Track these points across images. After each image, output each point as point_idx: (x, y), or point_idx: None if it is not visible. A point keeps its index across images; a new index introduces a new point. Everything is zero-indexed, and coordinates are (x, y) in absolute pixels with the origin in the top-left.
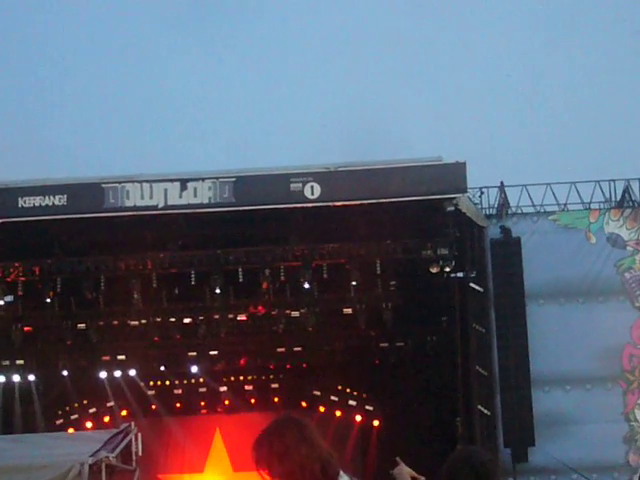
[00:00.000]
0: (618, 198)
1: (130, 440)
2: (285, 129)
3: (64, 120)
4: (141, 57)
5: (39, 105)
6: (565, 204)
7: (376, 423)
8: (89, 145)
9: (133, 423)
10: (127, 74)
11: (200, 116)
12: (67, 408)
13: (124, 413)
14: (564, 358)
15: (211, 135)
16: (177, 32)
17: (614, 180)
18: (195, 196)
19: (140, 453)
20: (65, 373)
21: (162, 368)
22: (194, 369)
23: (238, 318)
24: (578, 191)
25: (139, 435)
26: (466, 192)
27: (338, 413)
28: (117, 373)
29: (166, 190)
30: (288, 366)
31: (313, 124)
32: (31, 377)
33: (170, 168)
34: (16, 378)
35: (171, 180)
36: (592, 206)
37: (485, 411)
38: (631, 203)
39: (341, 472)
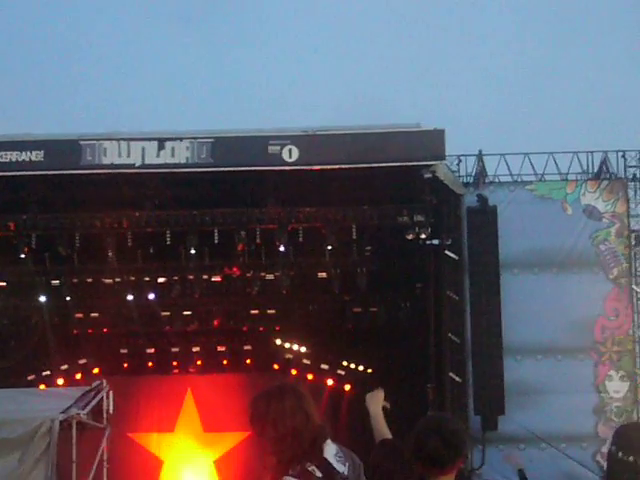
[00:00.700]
0: (595, 170)
1: (101, 398)
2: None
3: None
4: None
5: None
6: (542, 174)
7: (347, 387)
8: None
9: (105, 381)
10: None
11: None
12: (39, 364)
13: (96, 371)
14: (536, 328)
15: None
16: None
17: (592, 152)
18: (172, 156)
19: (111, 411)
20: (37, 329)
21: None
22: (167, 328)
23: (212, 279)
24: (556, 162)
25: (110, 393)
26: (444, 160)
27: (310, 377)
28: (90, 330)
29: (144, 149)
30: (261, 328)
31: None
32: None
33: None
34: None
35: (149, 139)
36: (569, 177)
37: (456, 378)
38: (608, 175)
39: (329, 440)
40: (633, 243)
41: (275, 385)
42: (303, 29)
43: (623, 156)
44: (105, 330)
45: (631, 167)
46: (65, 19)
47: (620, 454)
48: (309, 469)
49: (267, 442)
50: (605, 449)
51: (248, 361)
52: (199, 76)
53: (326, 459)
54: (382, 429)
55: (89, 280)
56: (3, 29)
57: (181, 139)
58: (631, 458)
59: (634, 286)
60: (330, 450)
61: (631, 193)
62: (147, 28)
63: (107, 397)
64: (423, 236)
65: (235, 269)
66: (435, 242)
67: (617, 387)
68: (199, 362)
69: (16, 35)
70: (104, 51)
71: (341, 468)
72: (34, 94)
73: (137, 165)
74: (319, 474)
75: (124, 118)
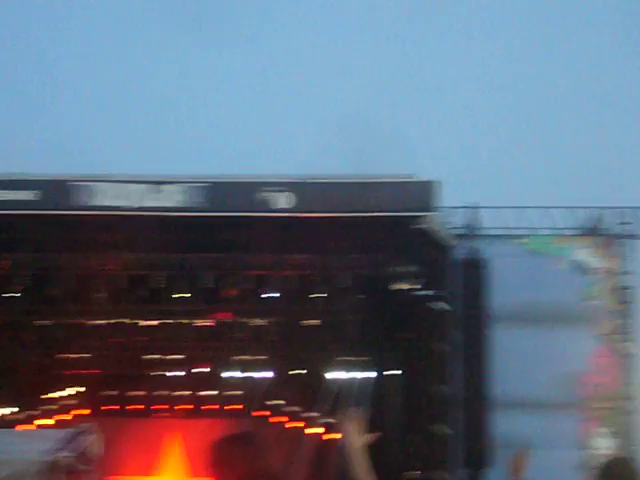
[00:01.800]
0: (589, 226)
1: (90, 441)
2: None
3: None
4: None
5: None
6: (536, 228)
7: (339, 436)
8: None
9: (94, 424)
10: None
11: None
12: (26, 404)
13: (85, 412)
14: (525, 382)
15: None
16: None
17: (585, 207)
18: (168, 199)
19: (100, 454)
20: (26, 370)
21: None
22: (156, 372)
23: (203, 324)
24: (551, 216)
25: (99, 436)
26: (436, 211)
27: (300, 424)
28: (79, 371)
29: (139, 191)
30: (251, 375)
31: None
32: None
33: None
34: None
35: (145, 182)
36: (564, 232)
37: (446, 430)
38: (602, 231)
39: None
40: (625, 300)
41: (237, 432)
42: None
43: (619, 213)
44: (94, 371)
45: (625, 224)
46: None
47: None
48: None
49: None
50: None
51: (236, 406)
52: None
53: None
54: (363, 471)
55: (79, 321)
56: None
57: (177, 182)
58: None
59: (624, 343)
60: None
61: (625, 250)
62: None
63: (96, 440)
64: (415, 286)
65: (226, 314)
66: (427, 293)
67: (604, 443)
68: (187, 406)
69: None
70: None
71: None
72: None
73: (132, 207)
74: None
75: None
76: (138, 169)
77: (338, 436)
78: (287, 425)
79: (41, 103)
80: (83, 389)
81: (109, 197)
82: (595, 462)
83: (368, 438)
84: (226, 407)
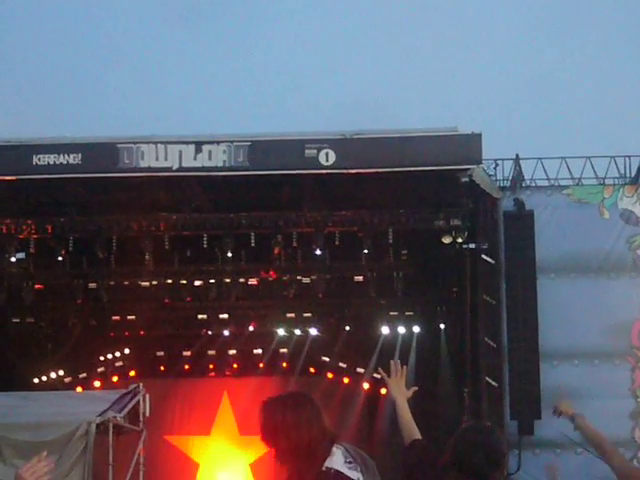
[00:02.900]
0: (633, 174)
1: (138, 401)
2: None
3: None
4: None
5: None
6: (579, 178)
7: (384, 391)
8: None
9: (141, 384)
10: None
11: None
12: (76, 367)
13: (132, 374)
14: (573, 332)
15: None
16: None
17: (629, 156)
18: (210, 159)
19: (148, 414)
20: (75, 332)
21: (171, 330)
22: (203, 332)
23: (249, 282)
24: (593, 166)
25: (147, 396)
26: (481, 163)
27: (346, 380)
28: (127, 333)
29: (181, 152)
30: (297, 332)
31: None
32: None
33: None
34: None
35: (186, 142)
36: (606, 181)
37: (493, 383)
38: None
39: (335, 446)
40: None
41: (287, 393)
42: (306, 27)
43: None
44: (142, 333)
45: None
46: (95, 23)
47: None
48: None
49: (279, 454)
50: None
51: (284, 364)
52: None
53: (337, 470)
54: (410, 427)
55: (126, 283)
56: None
57: (218, 142)
58: None
59: None
60: (338, 458)
61: None
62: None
63: (144, 400)
64: (459, 240)
65: (271, 272)
66: (471, 246)
67: None
68: (235, 365)
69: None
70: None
71: (355, 475)
72: (65, 96)
73: (174, 168)
74: None
75: (152, 119)
76: (179, 130)
77: (384, 391)
78: (336, 382)
79: (83, 67)
80: (132, 351)
81: (152, 158)
82: None
83: (409, 392)
84: (275, 365)
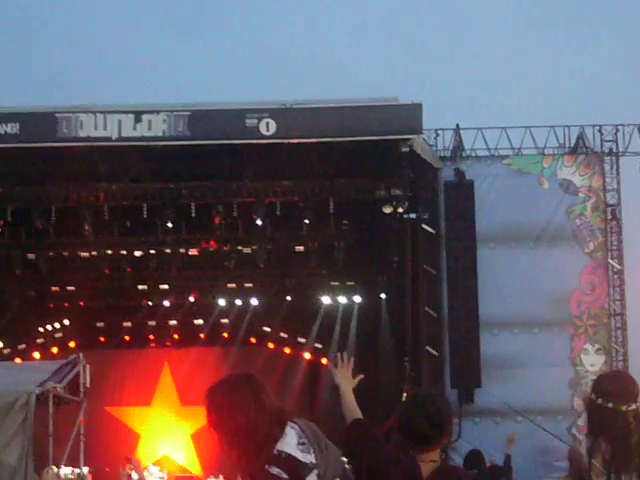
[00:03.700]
0: (572, 144)
1: (78, 371)
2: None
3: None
4: None
5: None
6: (519, 149)
7: (324, 361)
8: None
9: (81, 355)
10: None
11: None
12: (15, 338)
13: (72, 345)
14: (513, 302)
15: None
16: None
17: (568, 126)
18: (149, 129)
19: (88, 385)
20: (14, 303)
21: (111, 301)
22: (144, 302)
23: (189, 253)
24: (533, 136)
25: (87, 367)
26: (421, 133)
27: (287, 350)
28: (66, 304)
29: (120, 122)
30: (238, 302)
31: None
32: None
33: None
34: None
35: (125, 112)
36: (546, 151)
37: (433, 352)
38: (585, 150)
39: (288, 428)
40: (609, 217)
41: (228, 377)
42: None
43: (599, 130)
44: (81, 304)
45: (607, 142)
46: None
47: (600, 401)
48: (274, 472)
49: (224, 439)
50: (581, 422)
51: (225, 334)
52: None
53: (289, 454)
54: (352, 408)
55: (65, 254)
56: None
57: (158, 112)
58: (610, 404)
59: (610, 260)
60: (291, 440)
61: (607, 167)
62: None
63: (84, 371)
64: (400, 210)
65: (212, 243)
66: (412, 216)
67: (593, 360)
68: (176, 336)
69: None
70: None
71: (308, 458)
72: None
73: (114, 138)
74: (285, 476)
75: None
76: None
77: (325, 361)
78: (277, 352)
79: (24, 36)
80: (72, 322)
81: (91, 128)
82: (585, 379)
83: (355, 381)
84: (215, 336)
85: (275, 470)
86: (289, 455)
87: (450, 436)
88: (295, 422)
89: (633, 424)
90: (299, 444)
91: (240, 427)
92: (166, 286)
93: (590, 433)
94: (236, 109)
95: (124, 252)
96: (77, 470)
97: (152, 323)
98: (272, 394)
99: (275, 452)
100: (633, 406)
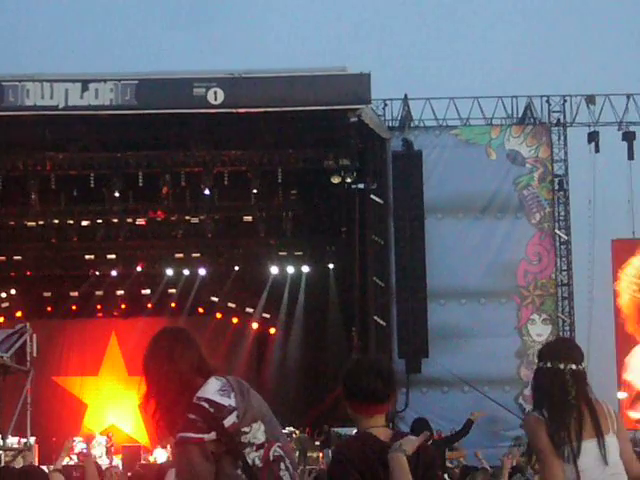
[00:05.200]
0: (520, 115)
1: (25, 341)
2: None
3: None
4: None
5: None
6: (467, 119)
7: (272, 331)
8: None
9: (28, 324)
10: None
11: None
12: None
13: (19, 314)
14: (460, 272)
15: None
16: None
17: (516, 97)
18: (96, 97)
19: (35, 354)
20: None
21: (58, 270)
22: (91, 272)
23: (137, 222)
24: (480, 106)
25: (34, 336)
26: (370, 103)
27: (235, 320)
28: (13, 274)
29: (67, 90)
30: (186, 272)
31: None
32: None
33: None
34: None
35: (72, 80)
36: (494, 122)
37: (380, 322)
38: (532, 120)
39: (214, 377)
40: (556, 188)
41: (164, 328)
42: None
43: (547, 101)
44: (28, 273)
45: (555, 112)
46: None
47: (548, 364)
48: (191, 418)
49: (151, 385)
50: (527, 392)
51: (173, 304)
52: None
53: (207, 398)
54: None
55: (12, 223)
56: None
57: (105, 80)
58: (561, 365)
59: (557, 231)
60: (211, 387)
61: (554, 138)
62: None
63: (30, 340)
64: (348, 180)
65: (159, 212)
66: (360, 186)
67: (539, 330)
68: (123, 306)
69: None
70: None
71: (226, 401)
72: None
73: (60, 107)
74: (201, 422)
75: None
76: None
77: (273, 331)
78: (225, 321)
79: None
80: (18, 291)
81: (37, 96)
82: (532, 349)
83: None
84: (163, 306)
85: (192, 416)
86: (207, 399)
87: (395, 400)
88: (223, 376)
89: (570, 381)
90: (219, 390)
91: (162, 373)
92: (113, 256)
93: (534, 399)
94: (184, 78)
95: (71, 222)
96: (23, 440)
97: (99, 293)
98: (204, 350)
99: (195, 400)
100: (573, 366)
